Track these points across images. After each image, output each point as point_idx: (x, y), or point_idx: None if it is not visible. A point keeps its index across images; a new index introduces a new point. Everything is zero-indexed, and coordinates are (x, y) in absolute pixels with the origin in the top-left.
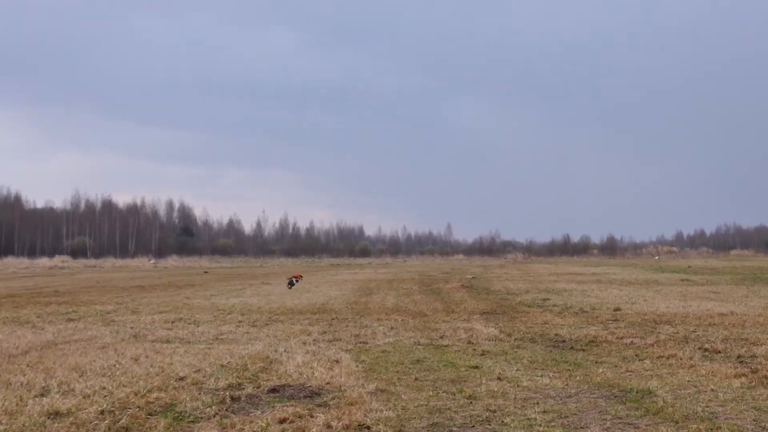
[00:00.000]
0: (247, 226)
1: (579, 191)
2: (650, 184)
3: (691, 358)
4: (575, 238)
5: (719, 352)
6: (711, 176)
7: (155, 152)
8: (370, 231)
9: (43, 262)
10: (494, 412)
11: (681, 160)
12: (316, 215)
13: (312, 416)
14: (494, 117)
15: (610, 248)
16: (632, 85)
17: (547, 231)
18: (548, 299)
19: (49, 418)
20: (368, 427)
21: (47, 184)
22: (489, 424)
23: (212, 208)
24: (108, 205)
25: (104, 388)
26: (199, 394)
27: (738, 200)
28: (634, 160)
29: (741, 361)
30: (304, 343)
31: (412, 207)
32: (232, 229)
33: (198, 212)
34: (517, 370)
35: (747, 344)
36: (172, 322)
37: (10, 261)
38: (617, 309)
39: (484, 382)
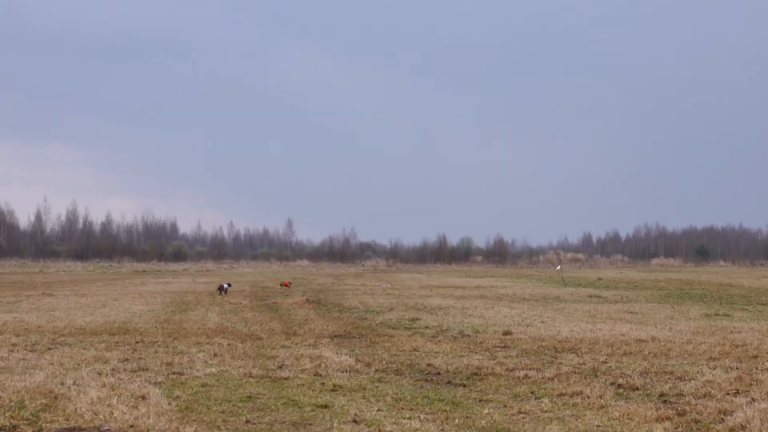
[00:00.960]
0: (23, 219)
1: (458, 181)
2: (549, 174)
3: (601, 397)
4: (453, 240)
5: (637, 388)
6: (627, 166)
7: None
8: (186, 227)
9: None
10: None
11: (589, 144)
12: (115, 205)
13: None
14: (344, 77)
15: (499, 254)
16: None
17: (417, 231)
18: (418, 319)
19: None
20: None
21: None
22: None
23: None
24: None
25: None
26: None
27: (661, 197)
28: (529, 142)
29: (664, 401)
30: (100, 374)
31: (241, 197)
32: (2, 222)
33: None
34: (379, 410)
35: (672, 379)
36: None
37: None
38: (507, 333)
39: (335, 426)
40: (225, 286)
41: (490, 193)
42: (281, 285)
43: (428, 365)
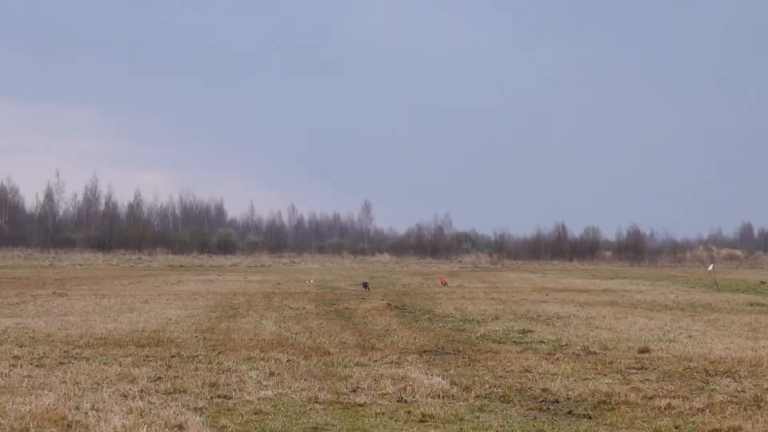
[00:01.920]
0: (29, 199)
1: (580, 157)
2: (699, 150)
3: None
4: (576, 231)
5: None
6: None
7: None
8: (235, 211)
9: None
10: None
11: (750, 114)
12: (146, 181)
13: None
14: (438, 35)
15: (633, 249)
16: None
17: (529, 219)
18: (531, 331)
19: None
20: None
21: None
22: None
23: None
24: None
25: None
26: None
27: None
28: (670, 110)
29: None
30: (125, 396)
31: (305, 173)
32: (2, 200)
33: None
34: None
35: None
36: None
37: None
38: (644, 350)
39: None
40: (366, 283)
41: (622, 173)
42: (363, 286)
43: (543, 390)
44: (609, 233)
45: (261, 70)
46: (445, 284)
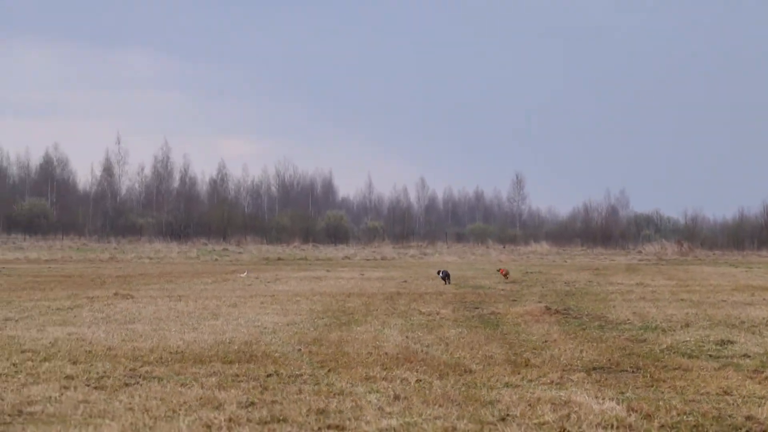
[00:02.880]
0: (83, 173)
1: None
2: None
3: None
4: None
5: None
6: None
7: None
8: (348, 188)
9: None
10: None
11: None
12: (233, 150)
13: None
14: None
15: None
16: None
17: (729, 198)
18: (732, 342)
19: None
20: None
21: None
22: None
23: None
24: None
25: None
26: None
27: None
28: None
29: None
30: (209, 427)
31: (438, 140)
32: (49, 175)
33: None
34: None
35: None
36: None
37: None
38: None
39: None
40: (445, 272)
41: None
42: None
43: (747, 419)
44: None
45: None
46: (506, 276)
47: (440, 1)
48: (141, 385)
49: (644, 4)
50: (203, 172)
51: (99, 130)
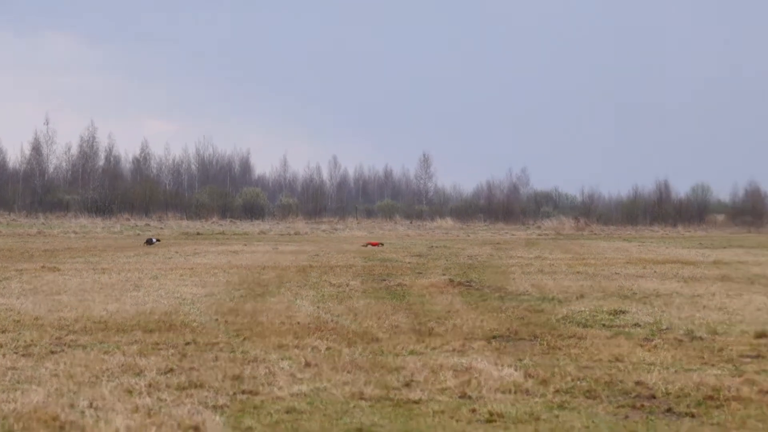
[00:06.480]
0: (12, 153)
1: (687, 104)
2: None
3: None
4: (681, 189)
5: None
6: None
7: None
8: (264, 166)
9: None
10: None
11: None
12: (155, 130)
13: None
14: None
15: (752, 212)
16: None
17: (623, 176)
18: (624, 312)
19: None
20: None
21: None
22: None
23: None
24: None
25: None
26: None
27: None
28: None
29: None
30: (131, 392)
31: (349, 120)
32: None
33: None
34: None
35: None
36: None
37: None
38: (762, 335)
39: None
40: (153, 240)
41: (740, 119)
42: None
43: (637, 384)
44: (722, 193)
45: None
46: (376, 246)
47: None
48: (66, 352)
49: None
50: (127, 151)
51: (29, 111)
